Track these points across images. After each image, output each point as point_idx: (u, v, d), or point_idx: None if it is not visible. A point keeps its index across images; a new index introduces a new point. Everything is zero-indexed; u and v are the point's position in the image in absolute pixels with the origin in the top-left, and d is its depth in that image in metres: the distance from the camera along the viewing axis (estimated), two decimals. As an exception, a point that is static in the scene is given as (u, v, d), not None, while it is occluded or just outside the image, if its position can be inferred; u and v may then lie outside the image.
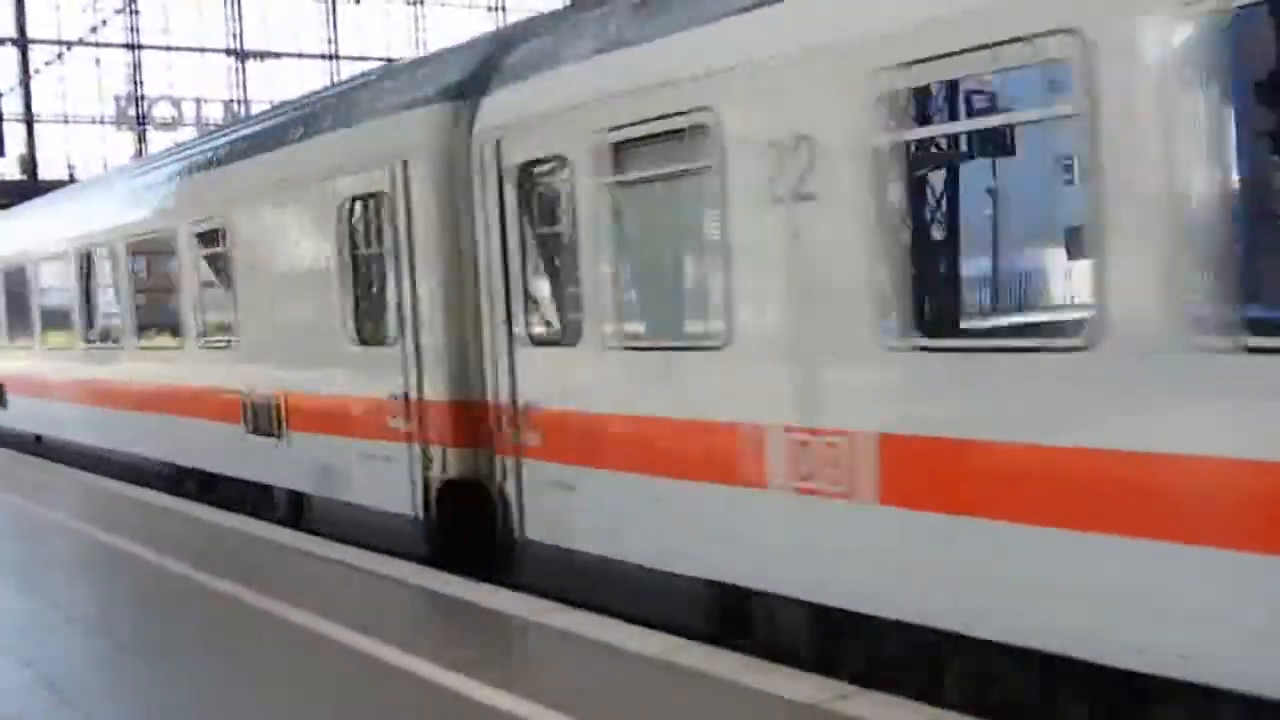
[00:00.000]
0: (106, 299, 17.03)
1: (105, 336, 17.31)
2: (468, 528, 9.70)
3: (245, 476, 13.17)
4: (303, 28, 53.67)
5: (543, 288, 8.99)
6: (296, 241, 11.76)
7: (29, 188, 38.01)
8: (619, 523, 8.07)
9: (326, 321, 11.17)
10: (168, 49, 51.03)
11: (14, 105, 43.81)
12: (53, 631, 8.44)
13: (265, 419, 12.37)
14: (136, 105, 49.56)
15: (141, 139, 49.17)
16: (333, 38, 54.16)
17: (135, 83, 49.92)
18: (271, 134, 12.80)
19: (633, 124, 7.67)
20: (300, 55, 53.36)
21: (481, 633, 7.79)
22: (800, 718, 5.69)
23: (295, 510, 12.18)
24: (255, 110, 41.42)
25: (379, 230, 10.35)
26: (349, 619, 7.87)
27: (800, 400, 6.67)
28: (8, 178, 43.89)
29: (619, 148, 7.85)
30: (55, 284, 19.01)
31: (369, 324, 10.77)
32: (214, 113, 49.33)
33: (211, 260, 13.71)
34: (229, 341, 13.27)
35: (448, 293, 9.68)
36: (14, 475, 17.72)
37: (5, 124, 35.03)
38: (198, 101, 49.71)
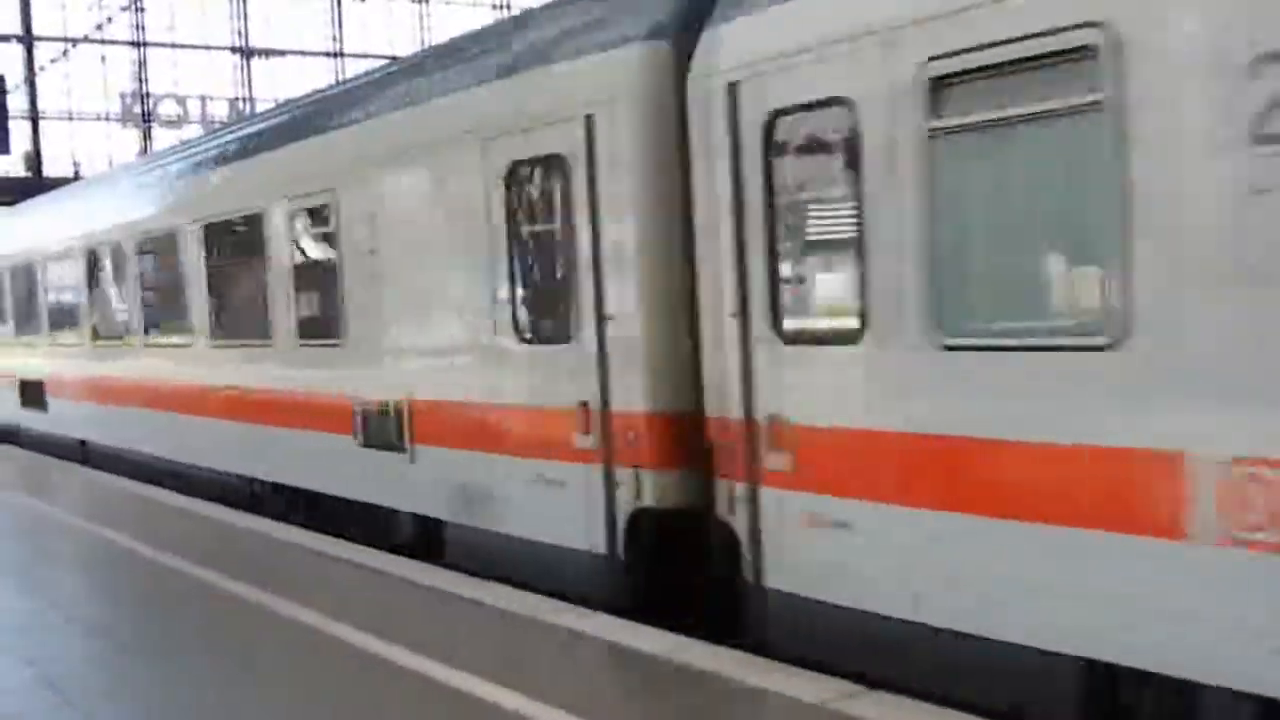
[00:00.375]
0: (170, 291, 14.94)
1: (169, 333, 15.10)
2: (676, 569, 7.82)
3: (356, 497, 11.17)
4: (307, 26, 52.68)
5: (813, 272, 6.98)
6: (433, 218, 9.76)
7: (34, 185, 36.61)
8: (930, 577, 6.10)
9: (475, 313, 9.23)
10: (173, 46, 50.11)
11: (19, 102, 42.45)
12: (54, 631, 8.27)
13: (385, 430, 10.41)
14: (142, 103, 48.61)
15: (146, 136, 48.29)
16: (337, 35, 52.93)
17: (140, 80, 49.00)
18: (398, 91, 10.74)
19: (979, 48, 5.64)
20: (304, 53, 52.39)
21: (490, 633, 7.49)
22: (806, 717, 5.58)
23: (426, 539, 10.22)
24: (260, 109, 40.25)
25: (557, 201, 8.41)
26: (357, 619, 7.75)
27: None
28: (12, 175, 42.31)
29: (950, 82, 5.83)
30: (108, 276, 16.87)
31: (539, 316, 8.83)
32: (219, 110, 48.59)
33: (311, 246, 11.71)
34: (335, 338, 11.27)
35: (659, 278, 7.75)
36: (23, 473, 16.82)
37: (10, 121, 33.49)
38: (203, 99, 48.91)
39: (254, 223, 12.53)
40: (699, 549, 7.61)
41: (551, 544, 8.59)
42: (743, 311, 7.09)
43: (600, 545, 8.13)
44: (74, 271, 18.03)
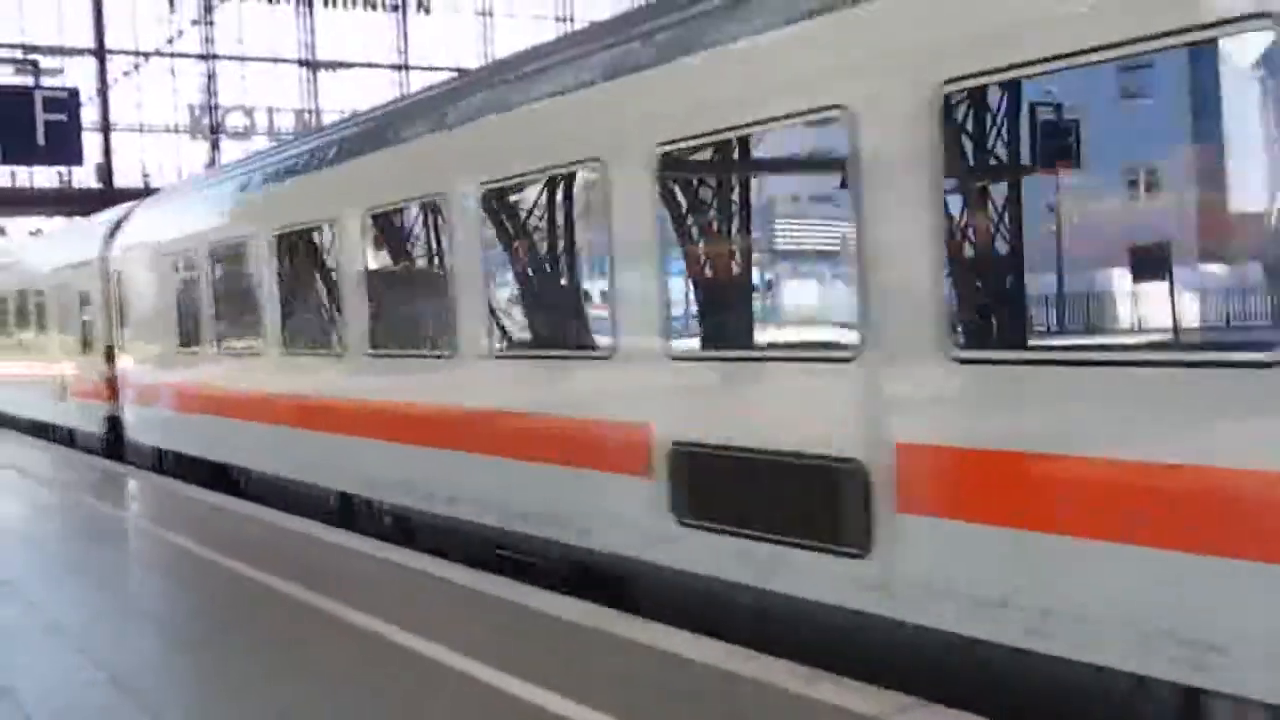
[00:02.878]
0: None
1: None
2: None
3: None
4: (372, 39, 53.48)
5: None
6: None
7: (105, 196, 37.27)
8: None
9: None
10: (241, 60, 50.90)
11: (91, 114, 43.20)
12: (127, 633, 8.46)
13: None
14: (210, 114, 49.42)
15: (215, 148, 49.04)
16: (403, 48, 53.55)
17: (209, 92, 49.79)
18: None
19: None
20: (370, 65, 53.01)
21: (539, 638, 7.53)
22: (858, 730, 5.63)
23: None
24: (327, 120, 40.52)
25: None
26: (413, 623, 7.82)
27: None
28: (85, 186, 43.14)
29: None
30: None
31: None
32: (285, 122, 49.55)
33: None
34: None
35: None
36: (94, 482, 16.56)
37: (83, 133, 34.08)
38: (270, 111, 49.84)
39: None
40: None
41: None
42: None
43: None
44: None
